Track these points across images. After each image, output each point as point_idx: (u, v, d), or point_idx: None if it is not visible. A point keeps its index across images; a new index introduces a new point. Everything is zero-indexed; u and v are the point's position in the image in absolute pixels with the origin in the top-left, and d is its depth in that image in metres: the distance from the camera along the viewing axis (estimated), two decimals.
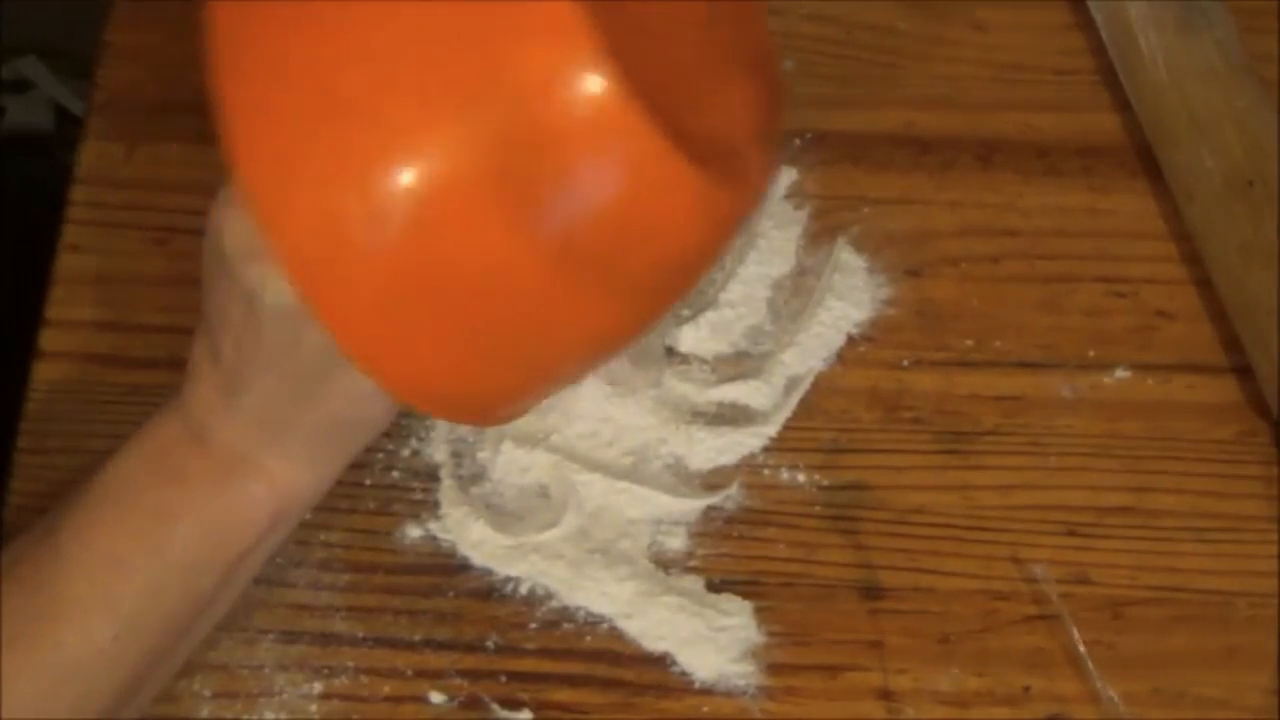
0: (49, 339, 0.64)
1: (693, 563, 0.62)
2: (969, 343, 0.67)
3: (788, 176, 0.70)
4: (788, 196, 0.69)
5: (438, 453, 0.63)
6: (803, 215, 0.69)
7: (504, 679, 0.59)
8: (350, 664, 0.59)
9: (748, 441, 0.64)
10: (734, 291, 0.66)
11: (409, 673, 0.59)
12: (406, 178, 0.44)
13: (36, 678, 0.48)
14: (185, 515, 0.50)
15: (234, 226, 0.48)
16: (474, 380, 0.50)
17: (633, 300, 0.50)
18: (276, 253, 0.45)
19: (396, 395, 0.49)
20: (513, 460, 0.63)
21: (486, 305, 0.47)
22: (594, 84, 0.43)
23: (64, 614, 0.48)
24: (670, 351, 0.66)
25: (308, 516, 0.61)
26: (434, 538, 0.62)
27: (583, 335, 0.50)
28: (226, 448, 0.50)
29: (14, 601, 0.49)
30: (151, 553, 0.50)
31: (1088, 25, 0.74)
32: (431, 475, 0.63)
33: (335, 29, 0.45)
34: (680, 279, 0.52)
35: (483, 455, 0.63)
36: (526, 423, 0.63)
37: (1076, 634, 0.61)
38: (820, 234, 0.68)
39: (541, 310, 0.47)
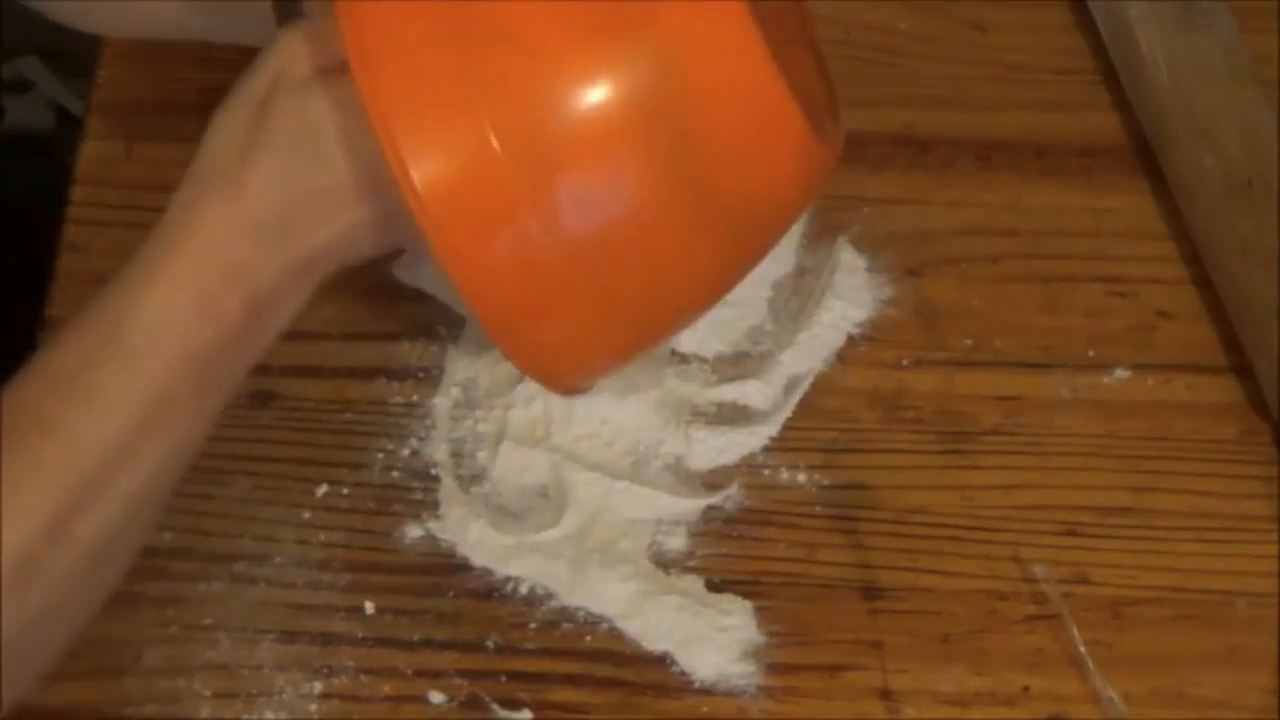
0: (49, 339, 0.64)
1: (693, 563, 0.62)
2: (969, 343, 0.67)
3: None
4: None
5: (438, 453, 0.63)
6: (803, 215, 0.69)
7: (504, 679, 0.59)
8: (350, 664, 0.59)
9: (748, 441, 0.64)
10: (734, 291, 0.66)
11: (409, 673, 0.59)
12: (556, 106, 0.45)
13: (79, 509, 0.48)
14: (225, 343, 0.49)
15: (301, 57, 0.50)
16: (583, 337, 0.50)
17: (738, 248, 0.52)
18: (405, 190, 0.45)
19: (500, 345, 0.49)
20: (513, 460, 0.63)
21: (619, 251, 0.48)
22: (734, 32, 0.46)
23: (110, 455, 0.48)
24: (671, 351, 0.66)
25: (307, 515, 0.61)
26: (434, 538, 0.62)
27: (695, 284, 0.52)
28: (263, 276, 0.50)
29: (53, 444, 0.48)
30: (194, 385, 0.49)
31: (1088, 25, 0.74)
32: (431, 475, 0.63)
33: None
34: (775, 229, 0.54)
35: (483, 455, 0.63)
36: (527, 423, 0.63)
37: (1077, 634, 0.61)
38: (820, 234, 0.68)
39: (667, 253, 0.49)
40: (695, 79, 0.46)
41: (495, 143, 0.45)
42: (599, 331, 0.51)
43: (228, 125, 0.51)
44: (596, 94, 0.46)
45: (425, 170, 0.45)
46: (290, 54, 0.51)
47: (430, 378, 0.64)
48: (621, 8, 0.46)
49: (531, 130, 0.45)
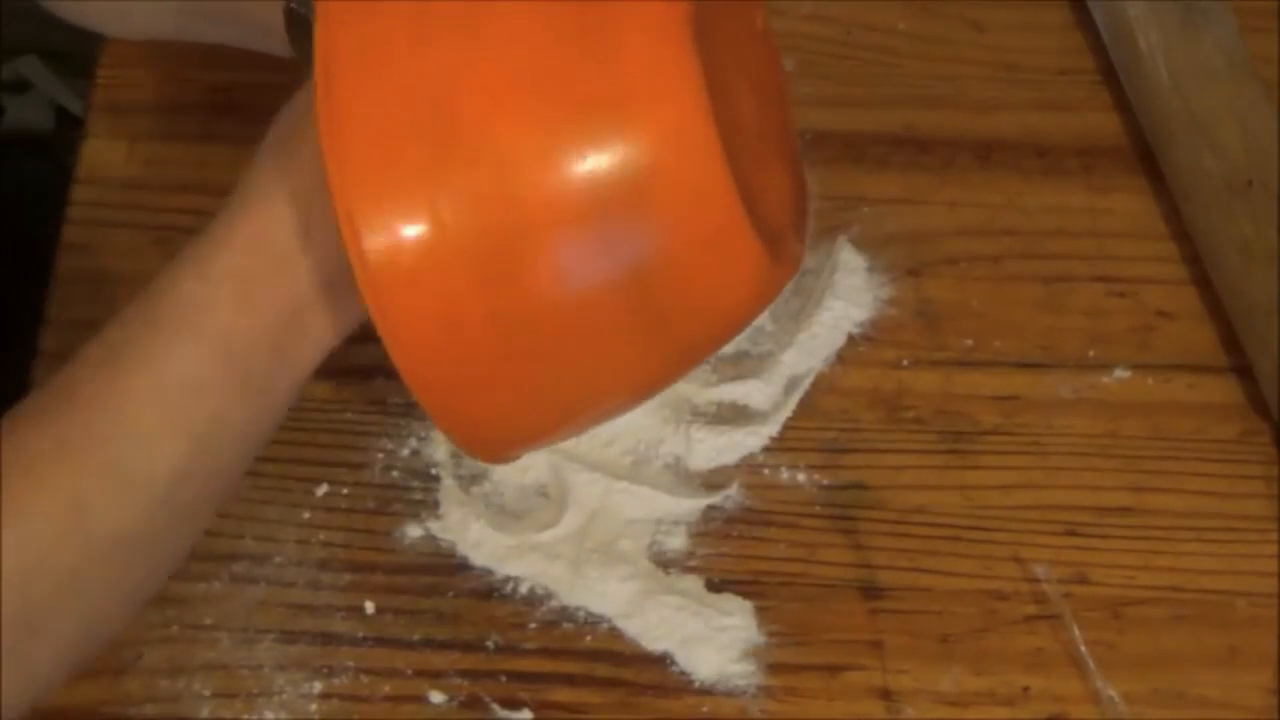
0: (49, 339, 0.64)
1: (693, 563, 0.62)
2: (969, 342, 0.67)
3: None
4: None
5: (438, 453, 0.63)
6: None
7: (504, 679, 0.59)
8: (350, 664, 0.59)
9: (748, 441, 0.64)
10: None
11: (409, 672, 0.59)
12: (503, 208, 0.45)
13: (100, 499, 0.47)
14: (256, 333, 0.49)
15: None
16: (510, 418, 0.50)
17: (678, 353, 0.51)
18: (352, 260, 0.45)
19: (432, 414, 0.48)
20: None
21: (554, 344, 0.47)
22: (697, 145, 0.45)
23: (131, 437, 0.47)
24: None
25: (307, 515, 0.61)
26: (434, 537, 0.62)
27: (629, 382, 0.51)
28: (309, 275, 0.49)
29: (77, 423, 0.48)
30: (226, 373, 0.48)
31: (1088, 25, 0.74)
32: (431, 475, 0.63)
33: (453, 50, 0.46)
34: (718, 339, 0.53)
35: None
36: None
37: (1077, 634, 0.61)
38: (820, 234, 0.68)
39: (604, 351, 0.48)
40: (654, 193, 0.45)
41: (448, 221, 0.45)
42: (526, 414, 0.50)
43: (279, 133, 0.51)
44: (553, 192, 0.45)
45: (373, 239, 0.45)
46: None
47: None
48: (593, 112, 0.45)
49: (483, 219, 0.45)
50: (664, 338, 0.49)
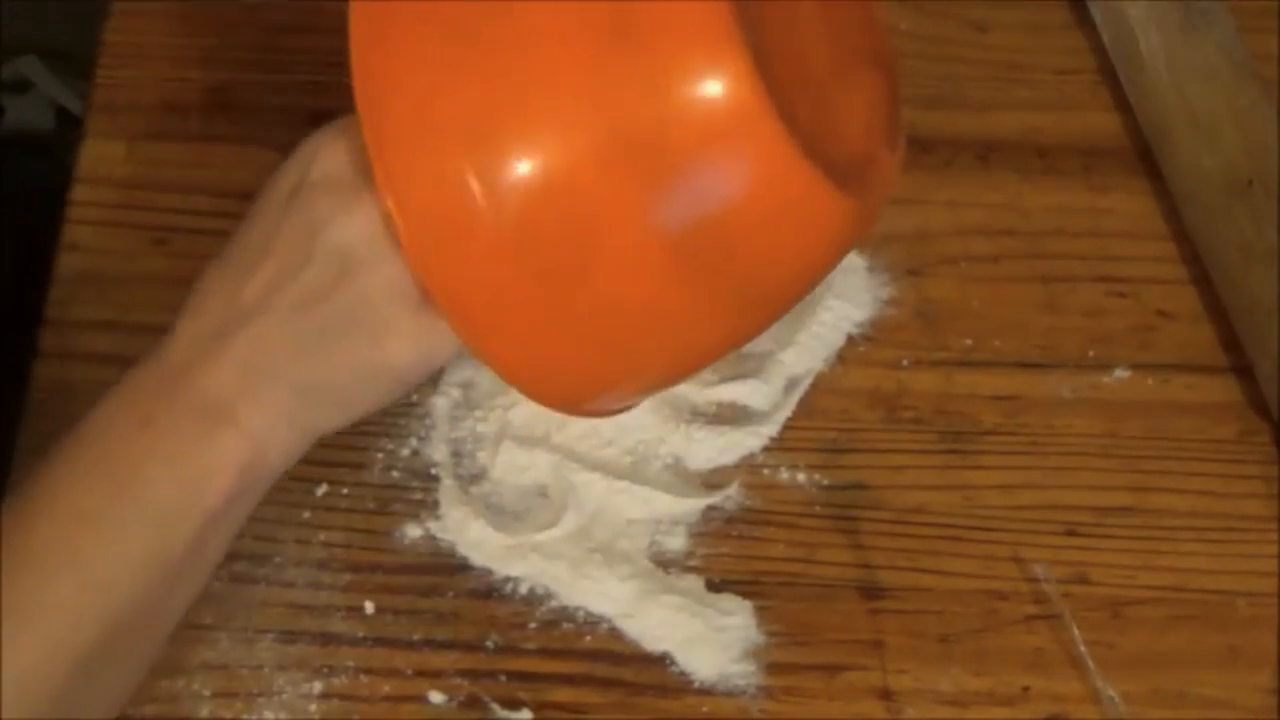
0: (49, 339, 0.64)
1: (693, 563, 0.62)
2: (969, 342, 0.67)
3: None
4: None
5: (437, 453, 0.63)
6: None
7: (504, 679, 0.59)
8: (350, 664, 0.59)
9: (747, 441, 0.64)
10: None
11: (409, 672, 0.59)
12: (533, 153, 0.45)
13: (7, 630, 0.46)
14: (152, 461, 0.48)
15: (334, 153, 0.49)
16: (572, 370, 0.50)
17: (744, 307, 0.50)
18: (395, 215, 0.45)
19: (496, 370, 0.49)
20: (513, 460, 0.63)
21: (597, 295, 0.47)
22: (732, 87, 0.44)
23: (26, 566, 0.47)
24: None
25: (307, 515, 0.61)
26: (434, 538, 0.62)
27: (689, 337, 0.50)
28: (201, 394, 0.48)
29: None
30: (117, 501, 0.48)
31: (1088, 25, 0.74)
32: (431, 475, 0.63)
33: (490, 69, 0.46)
34: (794, 290, 0.52)
35: (483, 455, 0.63)
36: (527, 423, 0.63)
37: (1077, 634, 0.61)
38: None
39: (652, 307, 0.48)
40: (690, 140, 0.44)
41: (475, 186, 0.45)
42: (596, 365, 0.50)
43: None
44: (570, 144, 0.45)
45: (411, 206, 0.46)
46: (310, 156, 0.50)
47: (430, 378, 0.64)
48: (616, 51, 0.45)
49: (514, 177, 0.45)
50: (731, 289, 0.48)
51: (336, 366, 0.49)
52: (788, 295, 0.52)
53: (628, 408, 0.56)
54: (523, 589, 0.61)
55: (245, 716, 0.58)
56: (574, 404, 0.53)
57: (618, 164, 0.45)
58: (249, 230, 0.50)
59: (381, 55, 0.47)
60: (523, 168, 0.45)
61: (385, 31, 0.47)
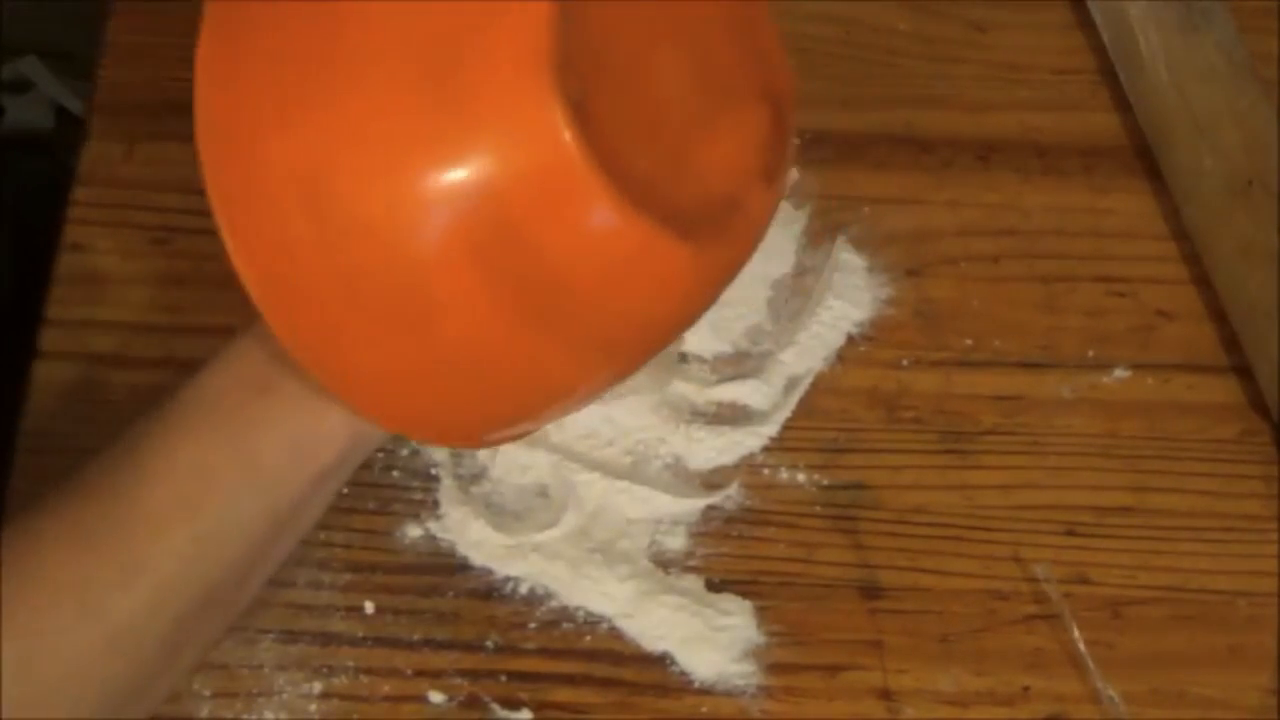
0: (49, 339, 0.64)
1: (692, 562, 0.62)
2: (968, 342, 0.67)
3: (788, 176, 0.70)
4: (788, 196, 0.69)
5: (437, 453, 0.63)
6: (803, 215, 0.69)
7: (504, 679, 0.59)
8: (350, 663, 0.59)
9: (747, 441, 0.64)
10: (734, 291, 0.66)
11: (409, 672, 0.59)
12: (357, 201, 0.44)
13: (108, 585, 0.47)
14: (271, 425, 0.50)
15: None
16: (445, 411, 0.50)
17: (605, 354, 0.50)
18: (235, 264, 0.46)
19: (359, 412, 0.49)
20: (512, 460, 0.63)
21: (445, 343, 0.47)
22: (551, 142, 0.43)
23: (144, 519, 0.48)
24: (678, 355, 0.66)
25: None
26: (434, 537, 0.62)
27: (548, 383, 0.50)
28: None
29: (90, 510, 0.48)
30: (235, 462, 0.49)
31: (1088, 25, 0.74)
32: (431, 475, 0.63)
33: (308, 30, 0.45)
34: (658, 336, 0.52)
35: (482, 455, 0.63)
36: None
37: (1077, 634, 0.61)
38: (820, 234, 0.68)
39: (504, 355, 0.47)
40: (519, 197, 0.44)
41: (305, 231, 0.45)
42: (449, 405, 0.50)
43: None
44: (395, 194, 0.44)
45: (247, 244, 0.46)
46: None
47: None
48: (442, 96, 0.44)
49: (342, 224, 0.45)
50: (579, 338, 0.47)
51: None
52: (650, 342, 0.51)
53: (532, 431, 0.55)
54: (523, 589, 0.61)
55: (245, 716, 0.58)
56: (466, 440, 0.53)
57: (443, 214, 0.44)
58: None
59: (223, 95, 0.46)
60: (349, 215, 0.44)
61: (229, 74, 0.46)
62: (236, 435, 0.49)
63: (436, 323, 0.46)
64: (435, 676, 0.59)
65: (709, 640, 0.60)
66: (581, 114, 0.43)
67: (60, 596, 0.47)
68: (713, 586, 0.62)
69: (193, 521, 0.48)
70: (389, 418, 0.49)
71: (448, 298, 0.45)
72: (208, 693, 0.58)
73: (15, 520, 0.48)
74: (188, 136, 0.69)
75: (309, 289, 0.46)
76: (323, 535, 0.61)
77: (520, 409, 0.51)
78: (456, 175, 0.44)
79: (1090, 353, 0.67)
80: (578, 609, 0.61)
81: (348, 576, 0.61)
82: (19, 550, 0.47)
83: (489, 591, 0.61)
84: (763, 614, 0.61)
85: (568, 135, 0.43)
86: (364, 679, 0.59)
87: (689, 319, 0.52)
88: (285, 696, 0.59)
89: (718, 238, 0.47)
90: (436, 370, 0.48)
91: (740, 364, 0.66)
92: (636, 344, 0.51)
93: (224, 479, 0.49)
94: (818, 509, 0.63)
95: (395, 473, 0.63)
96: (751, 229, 0.50)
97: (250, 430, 0.50)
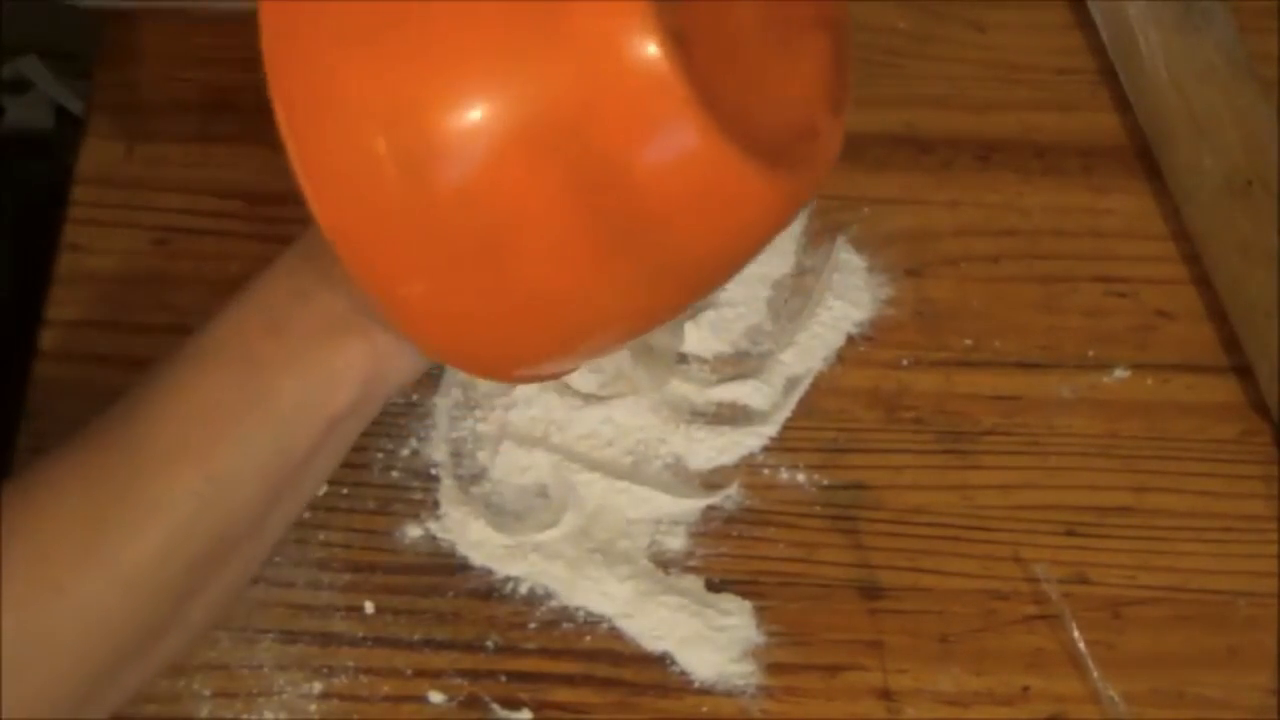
0: (49, 339, 0.64)
1: (692, 562, 0.62)
2: (968, 342, 0.67)
3: None
4: None
5: (437, 453, 0.63)
6: (803, 215, 0.69)
7: (504, 679, 0.59)
8: (350, 664, 0.59)
9: (747, 441, 0.64)
10: (734, 291, 0.66)
11: (409, 672, 0.59)
12: (445, 130, 0.44)
13: (119, 528, 0.47)
14: (279, 365, 0.49)
15: None
16: (498, 343, 0.49)
17: (674, 284, 0.49)
18: (303, 187, 0.45)
19: (413, 340, 0.48)
20: (512, 460, 0.63)
21: (517, 273, 0.46)
22: (648, 66, 0.43)
23: (154, 458, 0.47)
24: (678, 356, 0.66)
25: (307, 515, 0.61)
26: (434, 537, 0.62)
27: (614, 309, 0.49)
28: (332, 307, 0.49)
29: (100, 455, 0.48)
30: (247, 401, 0.49)
31: (1088, 25, 0.74)
32: (431, 475, 0.63)
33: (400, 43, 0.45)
34: (727, 266, 0.51)
35: (483, 455, 0.63)
36: (526, 423, 0.63)
37: (1077, 634, 0.61)
38: (820, 234, 0.68)
39: (575, 285, 0.47)
40: (606, 113, 0.43)
41: (388, 162, 0.45)
42: (500, 330, 0.49)
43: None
44: (478, 112, 0.44)
45: (323, 179, 0.45)
46: None
47: (430, 377, 0.64)
48: (531, 17, 0.44)
49: (427, 154, 0.44)
50: (655, 261, 0.47)
51: None
52: (720, 271, 0.51)
53: (566, 372, 0.55)
54: (523, 589, 0.61)
55: (245, 716, 0.58)
56: (502, 372, 0.52)
57: (532, 141, 0.44)
58: None
59: (293, 31, 0.45)
60: (435, 144, 0.44)
61: (296, 9, 0.46)
62: (248, 375, 0.49)
63: (513, 250, 0.45)
64: (435, 676, 0.59)
65: (709, 640, 0.60)
66: (678, 39, 0.43)
67: (69, 541, 0.46)
68: (713, 586, 0.62)
69: (205, 462, 0.48)
70: (437, 346, 0.48)
71: (528, 224, 0.45)
72: (208, 693, 0.58)
73: (24, 471, 0.48)
74: (188, 136, 0.69)
75: (379, 212, 0.45)
76: (322, 535, 0.61)
77: (575, 341, 0.51)
78: (545, 97, 0.43)
79: (1090, 353, 0.67)
80: (578, 609, 0.61)
81: (348, 576, 0.61)
82: (29, 497, 0.47)
83: (489, 591, 0.61)
84: (763, 614, 0.61)
85: (666, 60, 0.43)
86: (364, 679, 0.59)
87: (760, 247, 0.51)
88: (285, 696, 0.59)
89: (797, 165, 0.47)
90: (502, 299, 0.47)
91: (740, 364, 0.66)
92: (710, 275, 0.51)
93: (236, 418, 0.48)
94: (818, 509, 0.63)
95: (395, 473, 0.63)
96: (826, 157, 0.49)
97: (262, 370, 0.49)
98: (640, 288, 0.48)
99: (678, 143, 0.44)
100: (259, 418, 0.49)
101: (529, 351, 0.51)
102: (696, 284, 0.52)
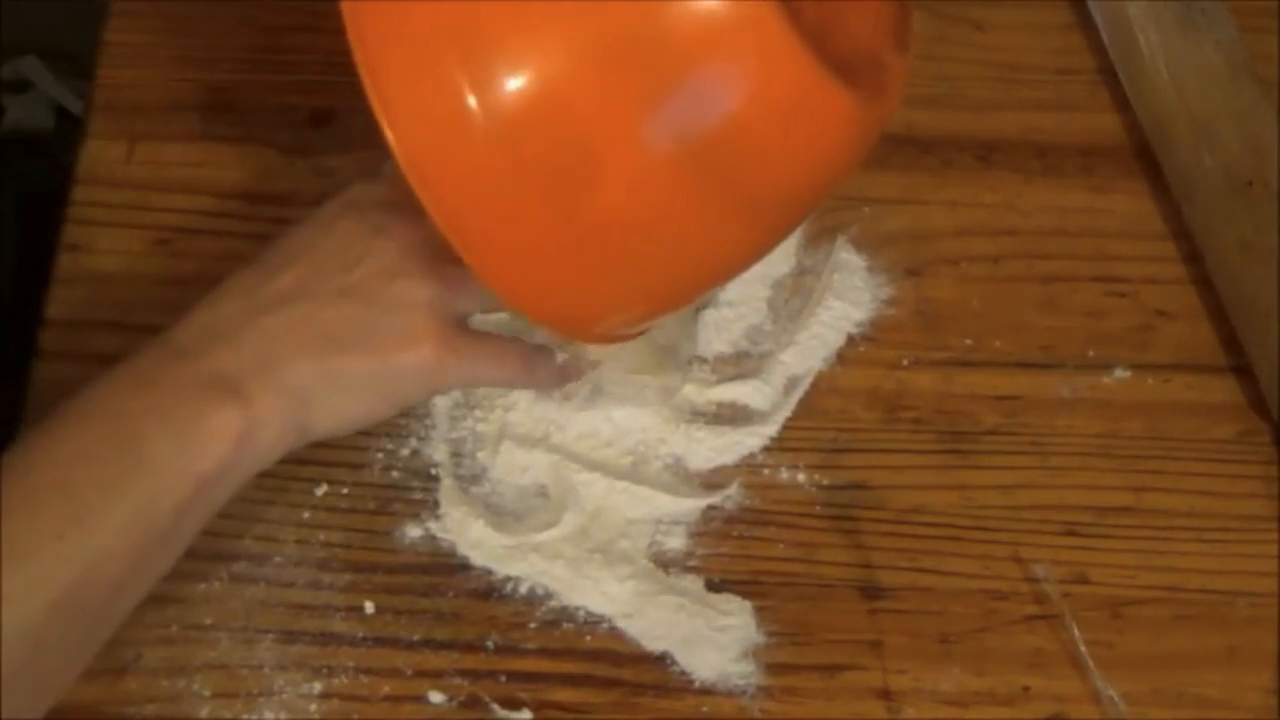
0: (49, 339, 0.64)
1: (692, 562, 0.62)
2: (968, 342, 0.67)
3: None
4: None
5: (437, 453, 0.63)
6: None
7: (504, 679, 0.59)
8: (350, 664, 0.59)
9: (747, 441, 0.64)
10: (734, 291, 0.66)
11: (409, 672, 0.59)
12: (527, 61, 0.44)
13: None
14: (151, 417, 0.50)
15: (377, 184, 0.52)
16: (579, 289, 0.49)
17: (758, 215, 0.49)
18: (390, 139, 0.45)
19: (496, 291, 0.48)
20: (512, 460, 0.63)
21: (602, 208, 0.46)
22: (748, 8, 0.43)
23: (21, 502, 0.48)
24: (686, 360, 0.66)
25: (307, 515, 0.61)
26: (434, 538, 0.62)
27: (701, 250, 0.49)
28: (209, 368, 0.50)
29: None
30: (114, 449, 0.50)
31: (1088, 25, 0.74)
32: (431, 475, 0.63)
33: None
34: (810, 195, 0.51)
35: (483, 455, 0.63)
36: (526, 423, 0.63)
37: (1077, 634, 0.61)
38: (820, 234, 0.69)
39: (660, 219, 0.47)
40: (693, 48, 0.43)
41: (469, 96, 0.44)
42: (584, 281, 0.49)
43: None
44: (564, 55, 0.44)
45: (403, 118, 0.45)
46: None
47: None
48: None
49: (508, 86, 0.44)
50: (742, 199, 0.47)
51: (354, 361, 0.51)
52: (803, 201, 0.51)
53: (639, 333, 0.54)
54: (523, 589, 0.61)
55: (245, 716, 0.58)
56: (583, 326, 0.52)
57: (616, 69, 0.44)
58: (289, 238, 0.53)
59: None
60: (517, 76, 0.44)
61: None
62: (122, 424, 0.50)
63: (600, 187, 0.45)
64: (435, 676, 0.59)
65: (709, 640, 0.60)
66: None
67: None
68: (713, 586, 0.62)
69: (70, 501, 0.48)
70: (517, 294, 0.48)
71: (617, 160, 0.45)
72: (208, 693, 0.58)
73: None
74: (188, 136, 0.69)
75: (462, 151, 0.45)
76: (323, 535, 0.61)
77: (658, 285, 0.50)
78: (628, 26, 0.43)
79: (1090, 353, 0.67)
80: (578, 609, 0.61)
81: (348, 576, 0.61)
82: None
83: (489, 591, 0.61)
84: (763, 614, 0.61)
85: None
86: (364, 679, 0.59)
87: (838, 179, 0.51)
88: (285, 696, 0.59)
89: (875, 92, 0.47)
90: (583, 230, 0.47)
91: (740, 364, 0.66)
92: (794, 205, 0.51)
93: (103, 466, 0.49)
94: (818, 509, 0.63)
95: (395, 473, 0.63)
96: (896, 87, 0.49)
97: (131, 420, 0.50)
98: (731, 220, 0.48)
99: (766, 64, 0.44)
100: (127, 468, 0.49)
101: (611, 298, 0.50)
102: (785, 215, 0.51)
